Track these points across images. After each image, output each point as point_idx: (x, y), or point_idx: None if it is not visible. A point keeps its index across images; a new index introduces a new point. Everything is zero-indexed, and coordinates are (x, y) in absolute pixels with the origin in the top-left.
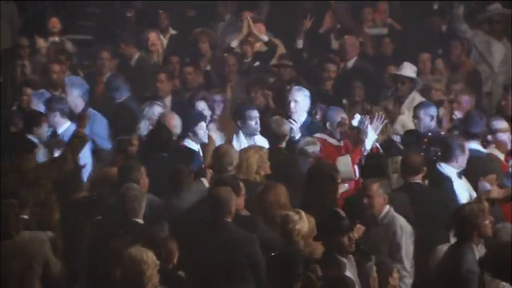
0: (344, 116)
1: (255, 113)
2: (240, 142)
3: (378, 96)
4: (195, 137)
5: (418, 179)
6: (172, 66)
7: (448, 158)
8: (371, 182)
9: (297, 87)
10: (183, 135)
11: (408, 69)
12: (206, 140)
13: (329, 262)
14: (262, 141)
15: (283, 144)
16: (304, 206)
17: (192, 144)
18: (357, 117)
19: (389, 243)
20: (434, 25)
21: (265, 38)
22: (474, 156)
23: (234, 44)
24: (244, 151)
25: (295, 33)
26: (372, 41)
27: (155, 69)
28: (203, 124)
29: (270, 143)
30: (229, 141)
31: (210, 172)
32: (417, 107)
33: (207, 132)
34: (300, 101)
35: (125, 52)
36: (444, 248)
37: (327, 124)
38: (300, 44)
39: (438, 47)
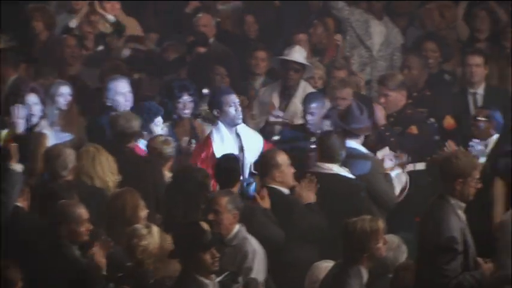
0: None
1: (233, 98)
2: (222, 135)
3: (245, 85)
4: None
5: (272, 182)
6: None
7: (330, 158)
8: (220, 195)
9: (115, 76)
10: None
11: (299, 54)
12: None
13: (187, 283)
14: (247, 132)
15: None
16: (167, 219)
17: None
18: None
19: (238, 266)
20: (309, 4)
21: (112, 18)
22: (352, 155)
23: (73, 24)
24: (81, 152)
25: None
26: (233, 20)
27: None
28: (160, 119)
29: (117, 142)
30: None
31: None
32: (309, 100)
33: (165, 129)
34: (126, 93)
35: None
36: (323, 265)
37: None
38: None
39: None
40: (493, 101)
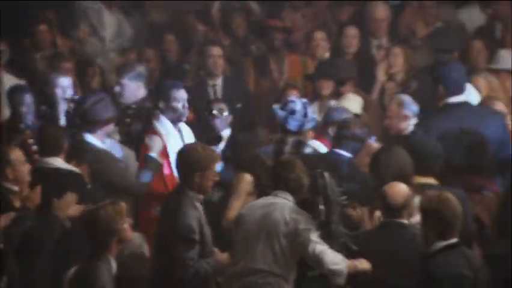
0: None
1: (183, 93)
2: (167, 129)
3: None
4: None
5: (5, 181)
6: None
7: (51, 151)
8: None
9: None
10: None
11: None
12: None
13: None
14: (185, 127)
15: None
16: None
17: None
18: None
19: None
20: None
21: None
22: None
23: None
24: None
25: None
26: None
27: None
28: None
29: None
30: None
31: None
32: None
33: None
34: None
35: None
36: None
37: (330, 129)
38: None
39: None
40: (231, 92)
